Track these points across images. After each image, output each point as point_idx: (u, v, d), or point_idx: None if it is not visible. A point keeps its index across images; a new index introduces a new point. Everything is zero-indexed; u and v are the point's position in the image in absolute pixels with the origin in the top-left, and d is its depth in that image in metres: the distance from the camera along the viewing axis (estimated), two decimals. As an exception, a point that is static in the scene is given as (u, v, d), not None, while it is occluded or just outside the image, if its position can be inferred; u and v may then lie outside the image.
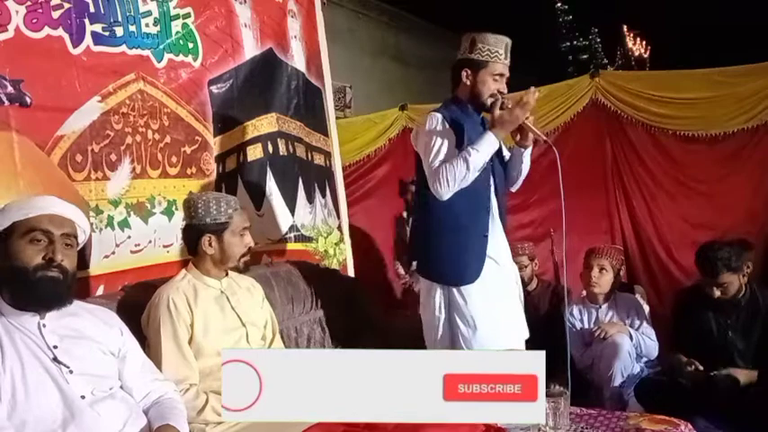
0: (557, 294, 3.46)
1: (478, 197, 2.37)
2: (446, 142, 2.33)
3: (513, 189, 2.61)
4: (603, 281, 3.16)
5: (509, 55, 2.38)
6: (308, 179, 3.48)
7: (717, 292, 2.69)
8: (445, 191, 2.28)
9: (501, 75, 2.36)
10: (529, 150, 2.47)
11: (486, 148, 2.27)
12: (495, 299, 2.39)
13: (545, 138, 2.45)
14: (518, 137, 2.40)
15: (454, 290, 2.39)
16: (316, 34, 3.67)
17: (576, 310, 3.24)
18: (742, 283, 2.71)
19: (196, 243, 2.11)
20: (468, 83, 2.39)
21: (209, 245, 2.10)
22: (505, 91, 2.38)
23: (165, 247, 2.58)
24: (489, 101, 2.35)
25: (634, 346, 2.99)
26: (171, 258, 2.57)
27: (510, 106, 2.29)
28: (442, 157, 2.30)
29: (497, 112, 2.29)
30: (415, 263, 2.64)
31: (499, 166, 2.48)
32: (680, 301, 2.97)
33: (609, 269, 3.16)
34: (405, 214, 4.70)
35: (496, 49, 2.34)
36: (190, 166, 2.74)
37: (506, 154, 2.54)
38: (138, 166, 2.50)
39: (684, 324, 2.87)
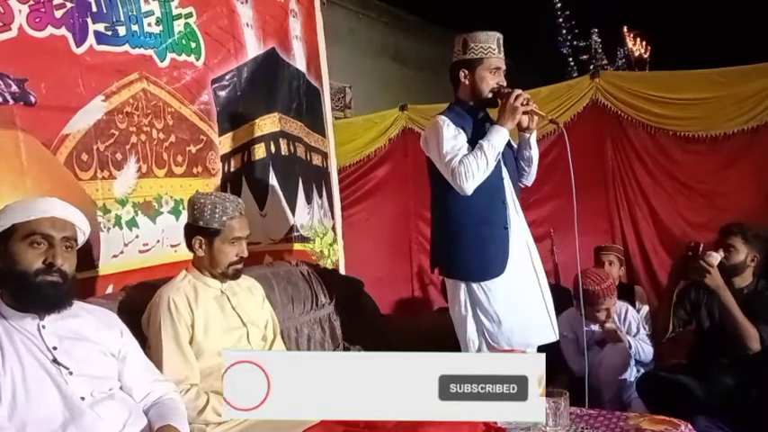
0: (558, 295, 3.45)
1: (494, 190, 2.41)
2: (458, 141, 2.37)
3: (528, 182, 2.63)
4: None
5: (502, 49, 2.44)
6: (308, 179, 3.49)
7: (720, 253, 2.60)
8: (470, 184, 2.31)
9: (497, 68, 2.43)
10: (533, 136, 2.51)
11: (496, 138, 2.34)
12: (517, 292, 2.40)
13: (549, 117, 2.51)
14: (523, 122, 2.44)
15: (474, 286, 2.40)
16: (315, 35, 3.68)
17: (570, 318, 3.17)
18: (747, 263, 2.63)
19: (189, 243, 2.12)
20: (468, 82, 2.45)
21: (200, 247, 2.10)
22: (504, 84, 2.45)
23: (172, 246, 2.59)
24: (490, 95, 2.42)
25: (633, 353, 2.98)
26: (179, 258, 2.55)
27: (508, 91, 2.37)
28: (458, 154, 2.34)
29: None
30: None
31: (511, 158, 2.51)
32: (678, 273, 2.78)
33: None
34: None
35: (489, 45, 2.41)
36: (196, 166, 2.75)
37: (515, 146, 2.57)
38: (144, 165, 2.51)
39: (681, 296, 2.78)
